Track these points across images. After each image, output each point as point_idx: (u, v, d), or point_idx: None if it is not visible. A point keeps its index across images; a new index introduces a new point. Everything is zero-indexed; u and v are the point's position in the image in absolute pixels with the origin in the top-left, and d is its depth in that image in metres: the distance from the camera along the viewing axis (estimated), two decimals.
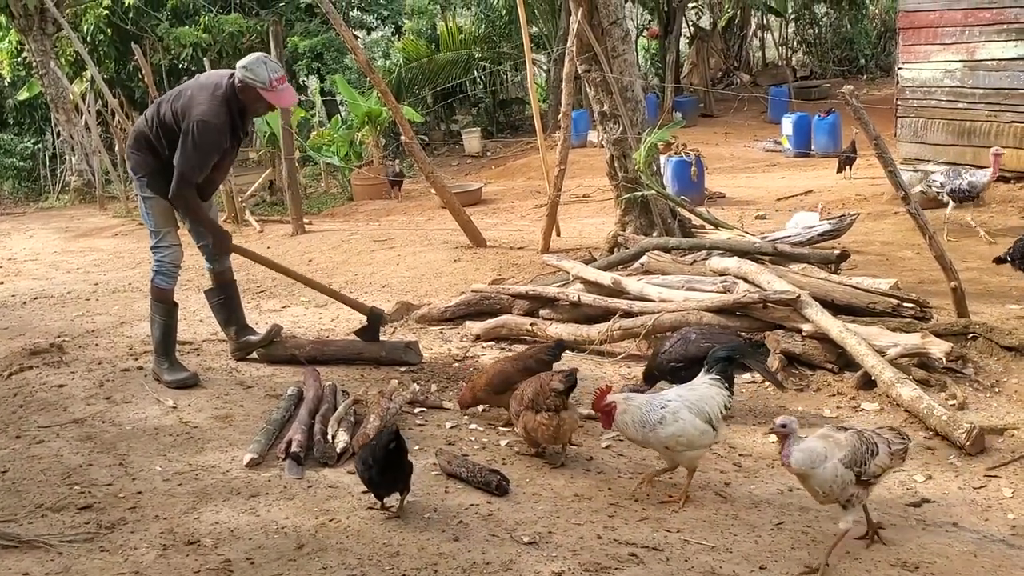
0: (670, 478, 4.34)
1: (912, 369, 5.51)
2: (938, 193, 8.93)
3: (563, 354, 5.41)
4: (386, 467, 3.88)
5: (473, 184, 14.82)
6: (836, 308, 5.99)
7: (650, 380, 5.34)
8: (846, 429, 3.73)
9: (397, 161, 15.50)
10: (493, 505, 4.08)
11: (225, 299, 6.22)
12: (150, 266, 5.92)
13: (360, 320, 6.40)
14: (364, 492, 4.14)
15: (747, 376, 5.80)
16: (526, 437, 4.57)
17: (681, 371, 5.00)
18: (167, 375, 5.70)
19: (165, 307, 5.84)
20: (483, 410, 5.23)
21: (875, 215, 10.16)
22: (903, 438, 3.78)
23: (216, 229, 5.91)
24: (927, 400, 5.04)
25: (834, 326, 5.65)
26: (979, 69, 10.39)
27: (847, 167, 12.55)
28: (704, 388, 4.15)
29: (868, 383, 5.46)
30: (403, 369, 6.00)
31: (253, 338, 6.20)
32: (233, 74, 5.57)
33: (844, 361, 5.72)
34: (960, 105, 10.64)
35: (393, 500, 4.00)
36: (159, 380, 5.71)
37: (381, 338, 6.34)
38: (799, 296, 5.87)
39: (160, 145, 5.64)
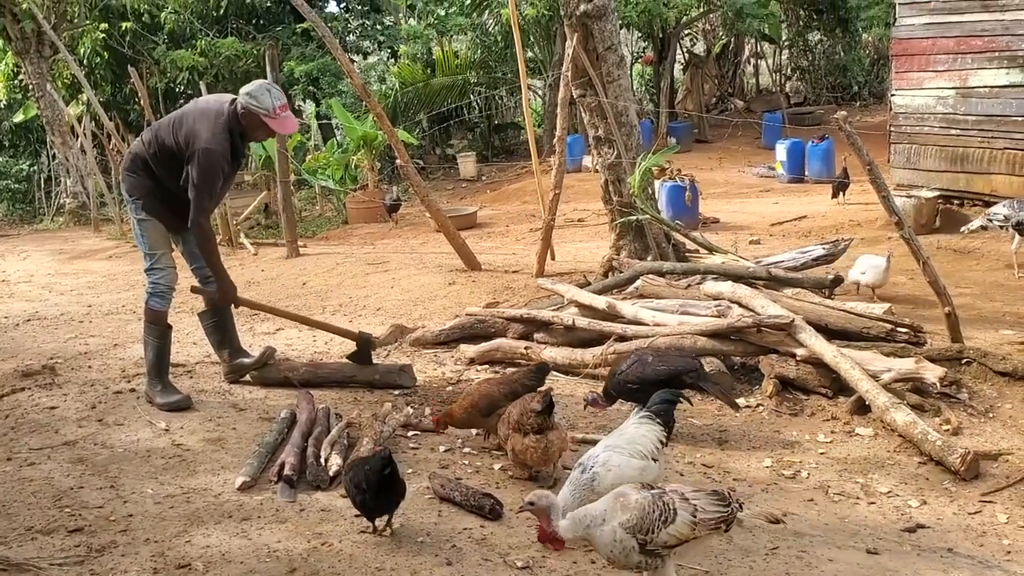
0: None
1: (906, 394, 5.52)
2: (1002, 226, 8.76)
3: (549, 376, 5.38)
4: (380, 491, 3.86)
5: (468, 208, 14.84)
6: (830, 333, 5.99)
7: (608, 398, 5.34)
8: (653, 490, 3.38)
9: (395, 188, 15.46)
10: (487, 529, 4.05)
11: (218, 321, 6.20)
12: (144, 288, 5.90)
13: (352, 345, 6.39)
14: (357, 516, 4.12)
15: (740, 400, 5.81)
16: (516, 460, 4.56)
17: (636, 392, 5.04)
18: (160, 398, 5.67)
19: (159, 329, 5.82)
20: (476, 433, 5.20)
21: (869, 240, 10.19)
22: (726, 506, 3.33)
23: (221, 272, 5.89)
24: (921, 425, 5.04)
25: (828, 351, 5.66)
26: (971, 96, 10.46)
27: (841, 193, 12.61)
28: (632, 429, 4.04)
29: (862, 408, 5.46)
30: (397, 392, 5.98)
31: (246, 361, 6.17)
32: (234, 99, 5.60)
33: (838, 386, 5.72)
34: (953, 132, 10.71)
35: (381, 522, 3.99)
36: (152, 403, 5.69)
37: (375, 361, 6.33)
38: (793, 321, 5.87)
39: (158, 168, 5.65)
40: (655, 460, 3.95)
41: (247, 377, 6.16)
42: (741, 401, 5.80)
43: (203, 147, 5.45)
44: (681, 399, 4.24)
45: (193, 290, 6.12)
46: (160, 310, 5.81)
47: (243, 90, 5.60)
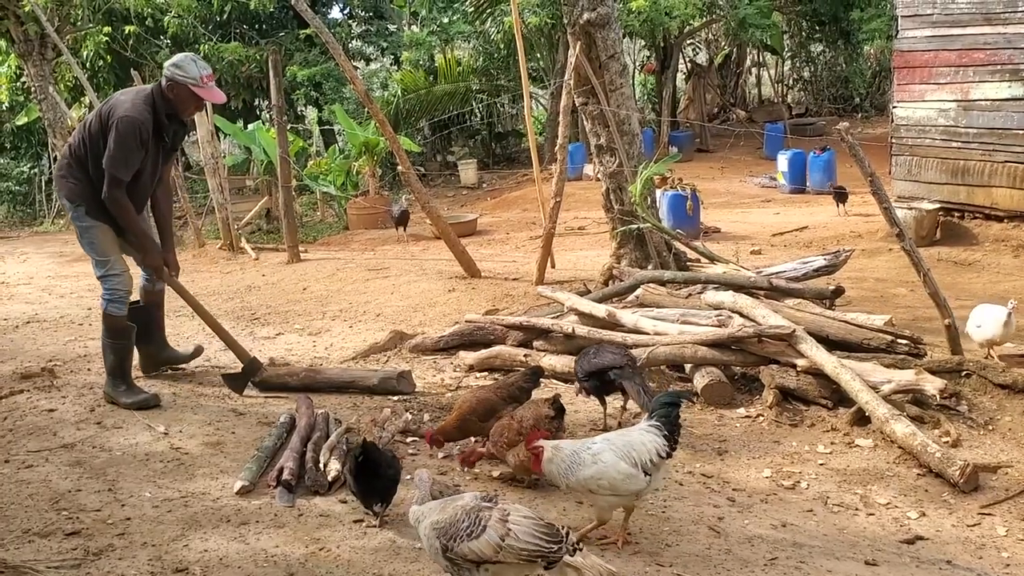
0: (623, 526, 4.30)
1: (906, 405, 5.51)
2: None
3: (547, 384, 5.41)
4: (358, 477, 4.06)
5: (468, 215, 14.85)
6: (831, 344, 5.99)
7: (584, 392, 5.63)
8: (485, 503, 3.31)
9: (403, 196, 15.36)
10: None
11: (148, 320, 6.26)
12: (100, 296, 5.84)
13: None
14: (356, 521, 4.12)
15: (740, 411, 5.81)
16: (520, 466, 4.53)
17: (586, 381, 5.49)
18: (125, 398, 5.66)
19: (119, 332, 5.82)
20: (474, 441, 5.17)
21: (869, 252, 10.20)
22: (550, 542, 3.16)
23: (145, 239, 5.84)
24: (921, 437, 5.03)
25: (829, 361, 5.66)
26: (973, 109, 10.47)
27: (842, 204, 12.63)
28: (637, 434, 4.00)
29: (862, 419, 5.45)
30: (396, 398, 5.97)
31: (175, 354, 6.43)
32: (158, 82, 5.64)
33: (838, 397, 5.71)
34: (954, 144, 10.72)
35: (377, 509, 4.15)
36: (116, 403, 5.67)
37: (376, 368, 6.32)
38: (794, 331, 5.87)
39: (91, 165, 5.62)
40: (647, 473, 3.87)
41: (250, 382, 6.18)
42: (741, 411, 5.81)
43: (121, 115, 5.47)
44: (682, 401, 4.16)
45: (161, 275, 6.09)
46: (120, 315, 5.81)
47: (168, 62, 5.65)
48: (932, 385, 5.47)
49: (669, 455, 3.96)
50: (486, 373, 6.61)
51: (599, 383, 5.48)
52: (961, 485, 4.70)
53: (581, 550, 3.26)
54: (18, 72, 19.61)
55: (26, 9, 16.38)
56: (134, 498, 4.39)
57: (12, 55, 18.96)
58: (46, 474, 4.67)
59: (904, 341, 6.00)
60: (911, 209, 10.56)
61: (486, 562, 3.21)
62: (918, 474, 4.92)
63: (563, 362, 6.43)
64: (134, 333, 5.93)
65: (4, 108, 21.27)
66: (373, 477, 4.09)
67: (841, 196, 12.69)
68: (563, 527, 3.26)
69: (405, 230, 13.47)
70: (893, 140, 11.43)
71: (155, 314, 6.32)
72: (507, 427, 4.62)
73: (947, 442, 5.21)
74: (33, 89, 18.08)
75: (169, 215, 6.23)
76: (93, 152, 5.59)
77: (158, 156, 5.77)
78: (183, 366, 6.55)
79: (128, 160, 5.51)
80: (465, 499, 3.37)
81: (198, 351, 6.58)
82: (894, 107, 11.49)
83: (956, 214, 10.89)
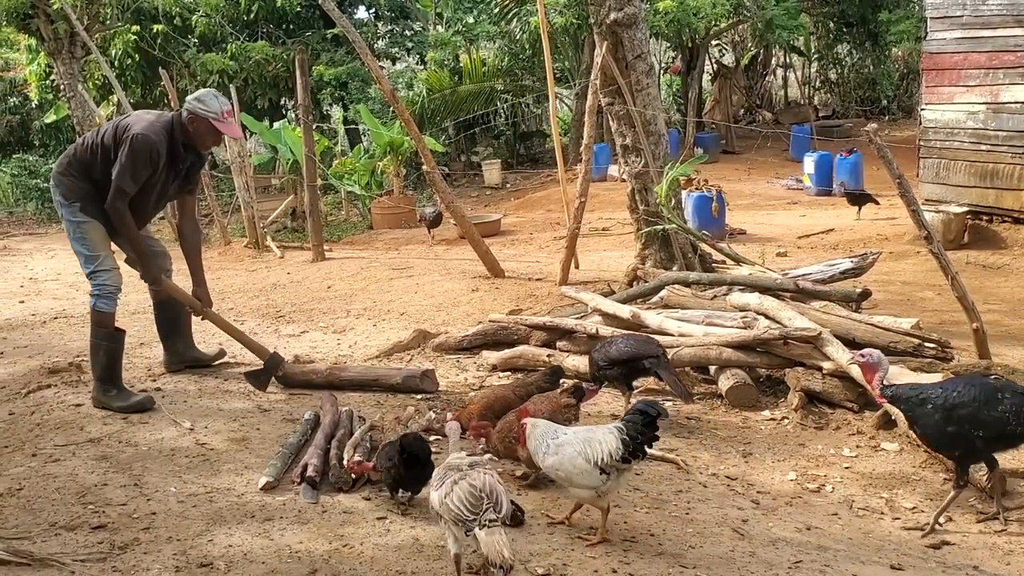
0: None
1: None
2: None
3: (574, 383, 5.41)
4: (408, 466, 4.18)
5: (492, 215, 14.85)
6: (857, 346, 5.93)
7: (596, 381, 5.63)
8: (468, 466, 3.61)
9: (438, 200, 15.30)
10: (507, 535, 4.03)
11: (174, 316, 6.37)
12: (89, 292, 5.84)
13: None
14: (379, 519, 4.13)
15: (765, 413, 5.78)
16: (530, 459, 4.52)
17: (608, 372, 5.56)
18: (118, 402, 5.64)
19: (108, 332, 5.80)
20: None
21: (897, 255, 10.12)
22: (469, 513, 3.40)
23: (144, 254, 5.93)
24: None
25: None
26: (1003, 112, 10.37)
27: (858, 206, 12.61)
28: (600, 432, 4.00)
29: (888, 423, 5.41)
30: (419, 397, 5.99)
31: (199, 354, 6.52)
32: (179, 111, 5.73)
33: (864, 400, 5.67)
34: (983, 147, 10.62)
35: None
36: (107, 408, 5.64)
37: (399, 366, 6.35)
38: (820, 333, 5.83)
39: (95, 169, 5.69)
40: (605, 472, 3.88)
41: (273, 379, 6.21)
42: (766, 414, 5.78)
43: (136, 132, 5.54)
44: (658, 414, 4.03)
45: (127, 261, 6.15)
46: (108, 311, 5.80)
47: (190, 96, 5.73)
48: None
49: (627, 460, 3.90)
50: (509, 373, 6.61)
51: (625, 371, 5.55)
52: (989, 490, 4.65)
53: (495, 526, 3.40)
54: (48, 70, 19.83)
55: (56, 8, 16.54)
56: (159, 493, 4.42)
57: (42, 53, 19.17)
58: (73, 468, 4.71)
59: (931, 345, 5.93)
60: (939, 212, 10.47)
61: (440, 516, 3.50)
62: (944, 478, 4.88)
63: (586, 363, 6.41)
64: (124, 337, 5.93)
65: (34, 106, 21.50)
66: (419, 467, 4.16)
67: (858, 199, 12.64)
68: (498, 502, 3.45)
69: (434, 235, 13.29)
70: (921, 143, 11.34)
71: (180, 310, 6.37)
72: (516, 422, 4.63)
73: None
74: (62, 87, 18.26)
75: (198, 249, 6.25)
76: (103, 160, 5.66)
77: (168, 182, 5.84)
78: (208, 364, 6.60)
79: (136, 174, 5.58)
80: (458, 457, 3.68)
81: (220, 354, 6.65)
82: (922, 109, 11.40)
83: (984, 218, 10.79)
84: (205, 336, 7.10)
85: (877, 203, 12.63)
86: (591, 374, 5.69)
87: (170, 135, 5.66)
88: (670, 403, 5.97)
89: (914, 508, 4.61)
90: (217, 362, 6.60)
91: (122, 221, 5.69)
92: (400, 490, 4.29)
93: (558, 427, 4.16)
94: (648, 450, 4.05)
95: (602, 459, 3.89)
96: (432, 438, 5.24)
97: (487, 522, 3.39)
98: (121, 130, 5.62)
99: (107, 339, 5.79)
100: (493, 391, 5.22)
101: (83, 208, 5.74)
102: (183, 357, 6.51)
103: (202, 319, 6.25)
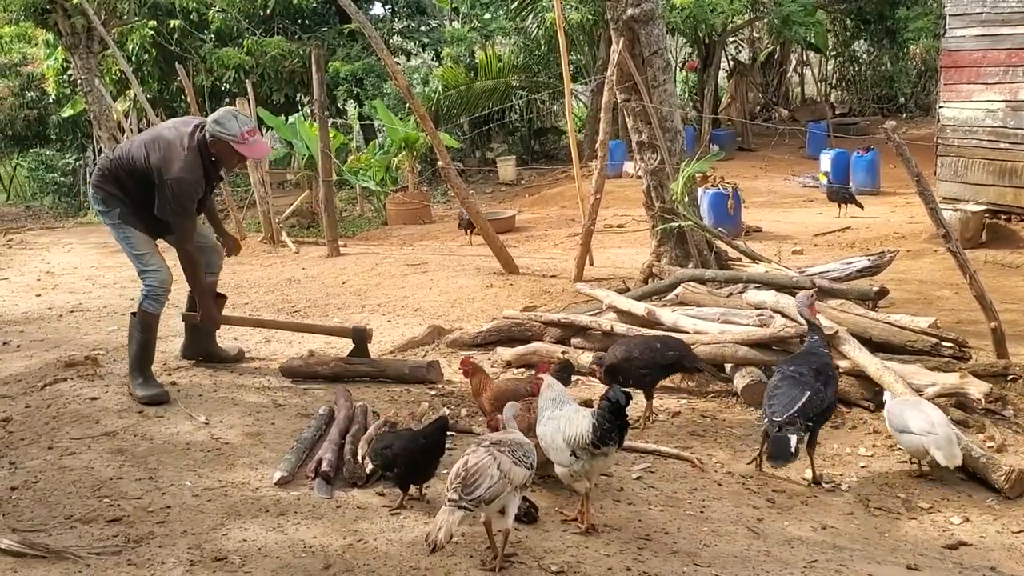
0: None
1: (950, 409, 5.41)
2: None
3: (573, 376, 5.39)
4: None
5: (507, 211, 14.84)
6: (873, 345, 5.91)
7: (611, 378, 5.50)
8: (486, 447, 3.73)
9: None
10: (521, 532, 4.03)
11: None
12: (140, 291, 5.94)
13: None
14: (393, 514, 4.13)
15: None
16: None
17: (645, 376, 5.56)
18: (140, 390, 5.71)
19: (147, 326, 5.89)
20: None
21: (914, 253, 10.07)
22: (452, 488, 3.60)
23: (206, 298, 6.05)
24: (965, 441, 4.94)
25: (872, 363, 5.58)
26: (1022, 110, 10.32)
27: (842, 205, 12.58)
28: (580, 414, 4.04)
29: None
30: (433, 393, 5.99)
31: (217, 350, 6.48)
32: (202, 123, 5.73)
33: (880, 399, 5.62)
34: (1002, 145, 10.56)
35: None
36: (131, 394, 5.74)
37: (407, 358, 6.40)
38: (836, 332, 5.80)
39: (128, 182, 5.76)
40: (575, 454, 3.94)
41: (278, 370, 6.28)
42: None
43: (174, 176, 5.57)
44: (621, 401, 3.96)
45: (183, 317, 6.35)
46: (154, 313, 5.90)
47: (210, 118, 5.73)
48: (977, 389, 5.37)
49: (596, 445, 3.90)
50: (523, 369, 6.60)
51: (661, 376, 5.65)
52: (1006, 491, 4.62)
53: (452, 506, 3.54)
54: (65, 65, 19.92)
55: (74, 3, 16.60)
56: (174, 487, 4.43)
57: (59, 48, 19.26)
58: (88, 461, 4.73)
59: (948, 344, 5.90)
60: (956, 211, 10.41)
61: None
62: (961, 479, 4.85)
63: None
64: (157, 328, 6.00)
65: (51, 100, 21.60)
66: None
67: (841, 197, 12.62)
68: (470, 485, 3.55)
69: (472, 233, 13.08)
70: (939, 141, 11.28)
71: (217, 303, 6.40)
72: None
73: (992, 447, 5.12)
74: (79, 82, 18.35)
75: (213, 211, 6.48)
76: (136, 181, 5.74)
77: (207, 195, 5.97)
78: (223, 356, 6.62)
79: (188, 211, 5.73)
80: (505, 434, 3.89)
81: (240, 355, 6.66)
82: (940, 107, 11.34)
83: (1003, 216, 10.72)
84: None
85: (861, 206, 12.59)
86: (612, 371, 5.57)
87: (201, 157, 5.68)
88: (684, 401, 5.97)
89: (930, 508, 4.58)
90: (236, 363, 6.61)
91: (193, 266, 5.88)
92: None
93: (566, 400, 4.19)
94: (621, 439, 3.99)
95: (573, 440, 3.95)
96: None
97: (447, 499, 3.56)
98: (157, 164, 5.60)
99: (143, 331, 5.87)
100: (506, 383, 5.22)
101: (121, 216, 5.82)
102: (199, 348, 6.52)
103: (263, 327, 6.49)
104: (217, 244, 6.40)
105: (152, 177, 5.62)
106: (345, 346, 6.56)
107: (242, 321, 6.51)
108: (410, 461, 4.22)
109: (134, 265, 5.94)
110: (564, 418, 4.05)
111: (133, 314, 5.96)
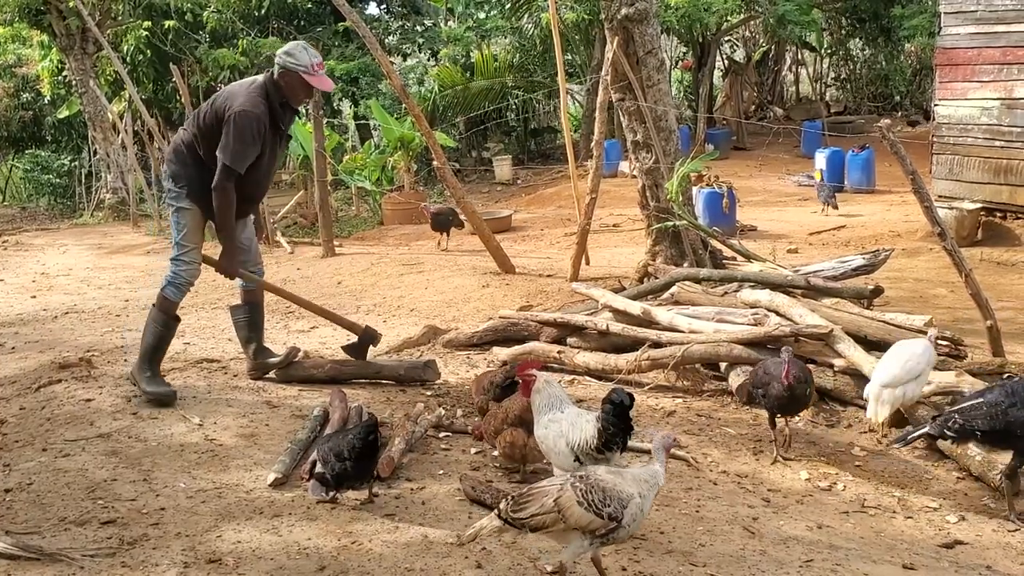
0: None
1: (946, 408, 5.41)
2: None
3: (580, 382, 5.37)
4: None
5: (503, 211, 14.84)
6: (869, 344, 5.90)
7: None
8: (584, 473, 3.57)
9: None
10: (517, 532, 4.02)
11: (250, 318, 6.23)
12: (164, 276, 5.86)
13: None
14: (387, 516, 4.12)
15: None
16: (508, 454, 4.58)
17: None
18: (147, 385, 5.65)
19: (166, 318, 5.83)
20: None
21: (909, 251, 10.07)
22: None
23: (231, 242, 5.84)
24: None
25: (867, 362, 5.57)
26: (1017, 107, 10.31)
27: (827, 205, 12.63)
28: (584, 418, 4.00)
29: (900, 421, 5.36)
30: (429, 393, 5.97)
31: (272, 360, 6.18)
32: (270, 72, 5.65)
33: None
34: (997, 143, 10.56)
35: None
36: (136, 385, 5.70)
37: (402, 359, 6.35)
38: (831, 331, 5.79)
39: (201, 150, 5.67)
40: (578, 459, 3.91)
41: (272, 375, 6.18)
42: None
43: (238, 110, 5.48)
44: (627, 403, 3.91)
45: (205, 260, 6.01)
46: (174, 300, 5.81)
47: (280, 51, 5.66)
48: (972, 387, 5.37)
49: (601, 451, 3.88)
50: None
51: None
52: (1002, 490, 4.62)
53: (498, 514, 3.49)
54: (60, 66, 19.91)
55: (69, 4, 16.59)
56: (169, 488, 4.42)
57: (54, 49, 19.25)
58: (82, 463, 4.71)
59: (944, 342, 5.89)
60: (952, 209, 10.41)
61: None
62: (958, 477, 4.85)
63: (596, 359, 6.40)
64: (176, 326, 5.94)
65: (46, 101, 21.58)
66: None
67: (824, 197, 12.66)
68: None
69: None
70: (934, 139, 11.28)
71: (256, 311, 6.28)
72: (494, 415, 4.69)
73: None
74: (74, 83, 18.35)
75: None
76: (207, 144, 5.63)
77: (275, 145, 5.82)
78: (217, 359, 6.59)
79: (245, 153, 5.54)
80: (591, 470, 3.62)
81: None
82: (936, 105, 11.35)
83: (998, 214, 10.73)
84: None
85: (835, 207, 12.69)
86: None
87: (267, 99, 5.60)
88: (679, 400, 5.97)
89: (926, 507, 4.58)
90: (228, 352, 6.54)
91: (225, 201, 5.63)
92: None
93: (565, 399, 4.14)
94: (625, 442, 3.97)
95: (578, 445, 3.91)
96: (442, 434, 5.24)
97: (499, 507, 3.54)
98: (222, 108, 5.55)
99: (162, 324, 5.81)
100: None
101: (189, 192, 5.71)
102: (263, 365, 6.24)
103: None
104: (258, 249, 6.30)
105: (219, 131, 5.52)
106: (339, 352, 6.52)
107: (263, 285, 6.35)
108: (339, 461, 4.15)
109: (173, 249, 5.84)
110: (567, 422, 3.99)
111: (154, 305, 5.89)
